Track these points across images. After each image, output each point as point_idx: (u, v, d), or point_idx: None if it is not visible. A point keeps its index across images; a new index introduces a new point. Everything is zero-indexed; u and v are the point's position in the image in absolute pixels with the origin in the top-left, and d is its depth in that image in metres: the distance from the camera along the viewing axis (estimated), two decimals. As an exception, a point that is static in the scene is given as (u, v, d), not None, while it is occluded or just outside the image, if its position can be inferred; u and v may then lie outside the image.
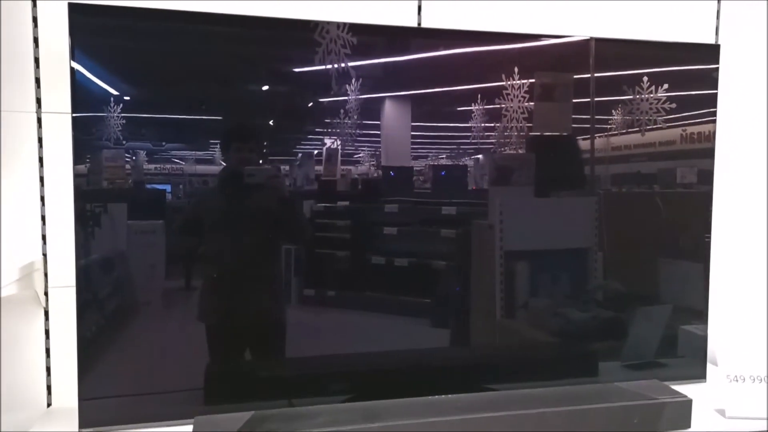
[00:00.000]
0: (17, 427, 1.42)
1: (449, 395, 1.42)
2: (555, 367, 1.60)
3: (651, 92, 1.63)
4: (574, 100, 1.60)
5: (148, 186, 1.40)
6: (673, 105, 1.65)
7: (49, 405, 1.51)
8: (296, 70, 1.46)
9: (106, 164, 1.32)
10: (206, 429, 1.21)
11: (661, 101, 1.64)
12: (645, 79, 1.62)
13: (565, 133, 1.63)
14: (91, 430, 1.31)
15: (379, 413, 1.31)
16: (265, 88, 1.46)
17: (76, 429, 1.31)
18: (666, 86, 1.63)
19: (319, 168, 1.45)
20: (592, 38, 1.59)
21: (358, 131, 1.44)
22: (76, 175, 1.30)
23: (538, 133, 1.58)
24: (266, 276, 1.46)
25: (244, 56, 1.43)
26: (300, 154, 1.46)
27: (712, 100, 1.69)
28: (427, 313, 1.55)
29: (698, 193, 1.71)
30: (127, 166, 1.34)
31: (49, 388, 1.51)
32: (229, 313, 1.43)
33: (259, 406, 1.33)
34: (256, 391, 1.39)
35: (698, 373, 1.69)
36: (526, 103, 1.54)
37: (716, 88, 1.68)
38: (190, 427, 1.24)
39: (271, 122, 1.47)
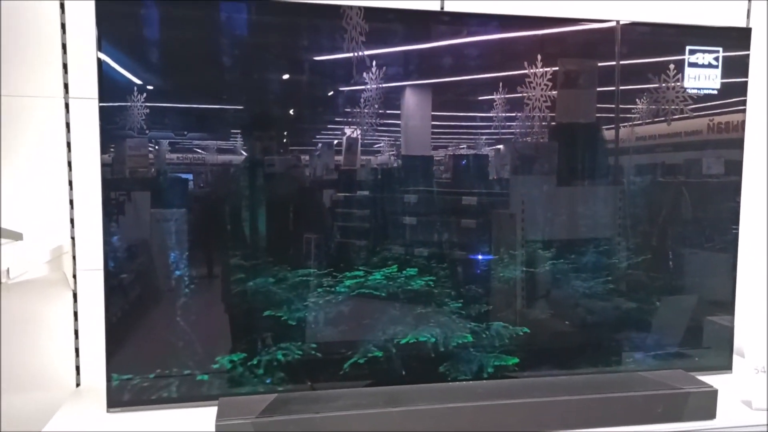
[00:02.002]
0: (47, 406, 1.46)
1: (470, 381, 1.42)
2: (579, 356, 1.59)
3: (678, 80, 1.60)
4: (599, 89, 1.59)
5: (172, 175, 1.41)
6: (701, 93, 1.62)
7: (78, 385, 1.54)
8: (322, 58, 1.46)
9: (130, 152, 1.34)
10: (230, 410, 1.23)
11: (688, 89, 1.61)
12: (672, 66, 1.59)
13: (589, 122, 1.61)
14: (118, 410, 1.35)
15: (400, 398, 1.32)
16: (294, 77, 1.46)
17: (104, 409, 1.35)
18: (694, 74, 1.60)
19: (339, 158, 1.45)
20: (618, 22, 1.56)
21: (378, 120, 1.44)
22: (103, 164, 1.33)
23: (562, 122, 1.56)
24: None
25: (274, 44, 1.44)
26: (320, 144, 1.46)
27: (742, 88, 1.65)
28: (451, 301, 1.55)
29: (726, 184, 1.68)
30: (151, 155, 1.36)
31: (78, 368, 1.54)
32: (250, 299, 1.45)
33: (283, 390, 1.36)
34: (281, 375, 1.41)
35: (724, 364, 1.67)
36: (550, 92, 1.52)
37: (747, 75, 1.64)
38: (215, 409, 1.26)
39: (293, 112, 1.48)
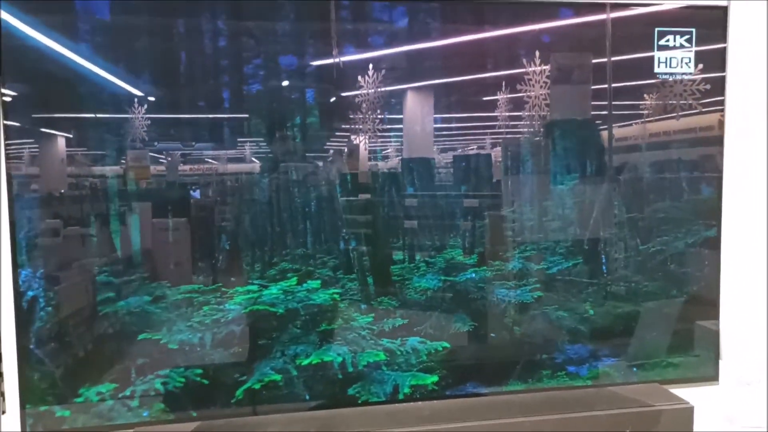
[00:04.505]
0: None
1: (416, 402, 1.29)
2: (551, 368, 1.45)
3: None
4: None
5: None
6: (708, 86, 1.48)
7: (3, 412, 1.44)
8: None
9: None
10: (144, 442, 1.12)
11: (695, 83, 1.48)
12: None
13: (584, 119, 1.50)
14: (34, 440, 1.24)
15: (336, 423, 1.20)
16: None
17: (21, 439, 1.25)
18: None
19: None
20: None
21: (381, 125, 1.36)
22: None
23: (558, 119, 1.45)
24: None
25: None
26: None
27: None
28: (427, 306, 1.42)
29: (712, 178, 1.54)
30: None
31: (2, 394, 1.44)
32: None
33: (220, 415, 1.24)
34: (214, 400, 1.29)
35: (710, 374, 1.53)
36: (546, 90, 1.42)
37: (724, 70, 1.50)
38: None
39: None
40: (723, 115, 1.52)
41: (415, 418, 1.24)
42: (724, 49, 1.51)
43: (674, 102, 1.48)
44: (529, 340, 1.43)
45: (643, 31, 1.48)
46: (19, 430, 1.26)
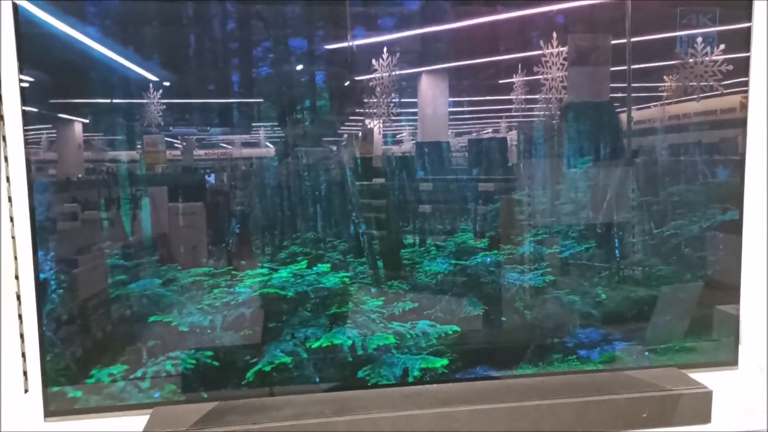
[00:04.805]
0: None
1: (431, 385, 1.30)
2: (567, 352, 1.44)
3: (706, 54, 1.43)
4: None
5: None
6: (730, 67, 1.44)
7: (26, 391, 1.47)
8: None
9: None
10: (161, 421, 1.14)
11: (717, 63, 1.44)
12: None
13: (603, 101, 1.47)
14: (56, 419, 1.27)
15: (352, 405, 1.20)
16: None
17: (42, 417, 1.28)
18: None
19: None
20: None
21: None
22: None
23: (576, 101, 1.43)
24: None
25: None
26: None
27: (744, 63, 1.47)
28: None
29: (733, 161, 1.50)
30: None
31: (25, 373, 1.47)
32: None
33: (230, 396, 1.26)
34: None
35: (729, 359, 1.51)
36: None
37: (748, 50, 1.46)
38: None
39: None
40: (746, 97, 1.48)
41: (431, 400, 1.24)
42: (749, 28, 1.46)
43: (695, 83, 1.45)
44: (541, 324, 1.43)
45: (664, 11, 1.44)
46: (42, 409, 1.28)
